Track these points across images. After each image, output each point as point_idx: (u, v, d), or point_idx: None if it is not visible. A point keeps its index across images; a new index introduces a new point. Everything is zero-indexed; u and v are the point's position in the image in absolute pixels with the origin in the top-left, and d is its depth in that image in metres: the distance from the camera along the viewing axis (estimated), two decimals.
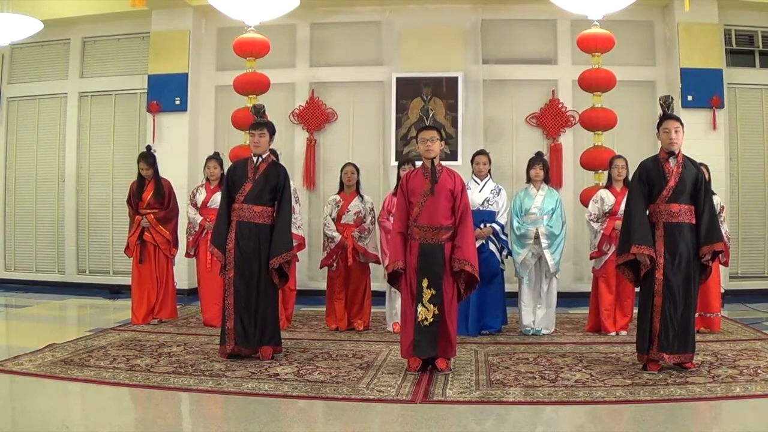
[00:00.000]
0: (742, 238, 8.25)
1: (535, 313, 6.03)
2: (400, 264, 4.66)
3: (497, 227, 6.02)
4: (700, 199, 4.57)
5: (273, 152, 5.91)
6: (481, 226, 5.93)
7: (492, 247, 6.00)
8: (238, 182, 5.04)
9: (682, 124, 4.63)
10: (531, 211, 6.02)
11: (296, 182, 7.91)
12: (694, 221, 4.55)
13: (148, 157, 6.50)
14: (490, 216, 6.02)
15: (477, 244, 5.28)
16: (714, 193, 6.06)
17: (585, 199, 7.17)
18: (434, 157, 4.70)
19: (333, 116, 8.75)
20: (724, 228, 6.12)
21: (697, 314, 5.83)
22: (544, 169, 6.15)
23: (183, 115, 8.70)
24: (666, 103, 4.70)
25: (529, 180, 6.19)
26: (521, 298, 6.07)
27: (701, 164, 5.32)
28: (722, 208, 6.20)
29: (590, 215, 6.11)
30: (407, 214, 4.74)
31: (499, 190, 6.14)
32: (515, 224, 6.04)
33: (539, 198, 6.05)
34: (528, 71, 8.57)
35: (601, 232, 5.98)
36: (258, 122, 5.09)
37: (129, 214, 6.61)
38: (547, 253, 5.93)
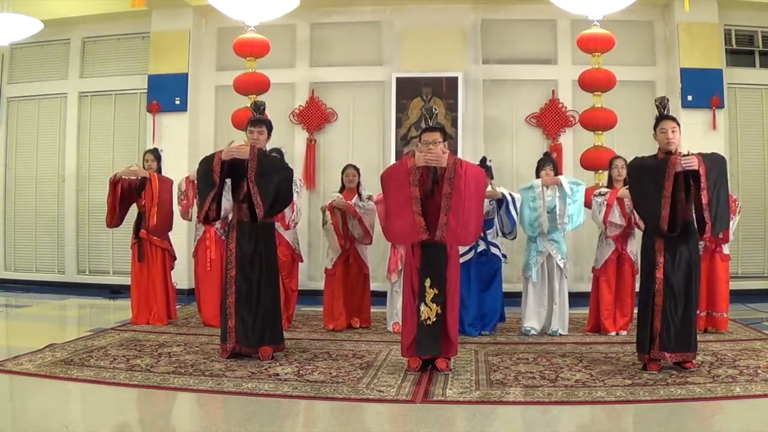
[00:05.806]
0: (742, 238, 8.25)
1: (539, 313, 6.00)
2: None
3: (508, 196, 5.86)
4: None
5: (278, 151, 5.93)
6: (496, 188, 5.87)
7: (495, 251, 6.00)
8: (237, 180, 5.02)
9: (678, 124, 4.62)
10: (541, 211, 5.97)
11: None
12: (694, 220, 4.55)
13: (154, 151, 6.66)
14: (489, 224, 5.93)
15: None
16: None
17: (585, 200, 7.15)
18: None
19: (333, 116, 8.74)
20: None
21: (703, 313, 5.88)
22: (554, 170, 6.06)
23: (183, 115, 8.69)
24: (662, 104, 4.71)
25: None
26: (525, 297, 6.05)
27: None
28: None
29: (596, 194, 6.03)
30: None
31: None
32: (526, 214, 5.94)
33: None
34: (528, 71, 8.56)
35: (605, 203, 5.91)
36: (258, 119, 5.06)
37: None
38: (568, 207, 5.82)
